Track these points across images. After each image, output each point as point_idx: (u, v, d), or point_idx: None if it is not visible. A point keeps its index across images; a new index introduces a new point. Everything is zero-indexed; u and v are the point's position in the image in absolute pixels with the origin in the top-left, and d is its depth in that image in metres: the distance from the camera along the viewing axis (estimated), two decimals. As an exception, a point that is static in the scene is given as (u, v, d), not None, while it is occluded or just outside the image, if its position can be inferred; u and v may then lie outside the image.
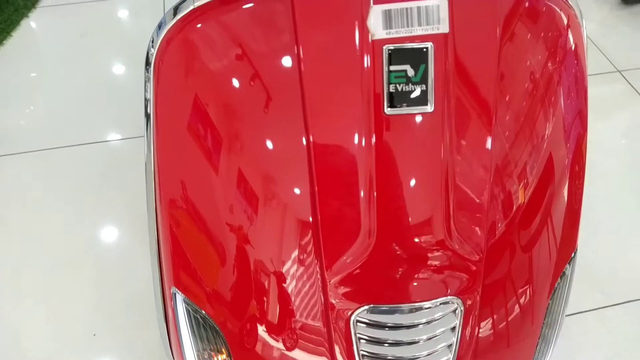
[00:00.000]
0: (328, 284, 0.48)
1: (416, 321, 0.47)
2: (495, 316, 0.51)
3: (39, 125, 1.76)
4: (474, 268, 0.48)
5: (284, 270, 0.50)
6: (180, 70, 0.54)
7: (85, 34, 2.00)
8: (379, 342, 0.48)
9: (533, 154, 0.51)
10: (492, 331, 0.51)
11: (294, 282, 0.49)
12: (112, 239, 1.50)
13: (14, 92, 1.85)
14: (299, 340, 0.51)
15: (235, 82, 0.52)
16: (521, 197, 0.52)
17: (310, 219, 0.48)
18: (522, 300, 0.52)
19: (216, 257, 0.51)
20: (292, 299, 0.50)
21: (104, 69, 1.91)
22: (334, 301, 0.48)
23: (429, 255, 0.47)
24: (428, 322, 0.48)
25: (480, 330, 0.50)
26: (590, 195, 1.49)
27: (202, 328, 0.53)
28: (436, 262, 0.47)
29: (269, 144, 0.51)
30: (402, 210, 0.47)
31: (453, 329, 0.49)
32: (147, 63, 0.56)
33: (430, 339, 0.48)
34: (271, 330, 0.52)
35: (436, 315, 0.48)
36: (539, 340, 0.55)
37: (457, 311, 0.48)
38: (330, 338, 0.49)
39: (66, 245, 1.47)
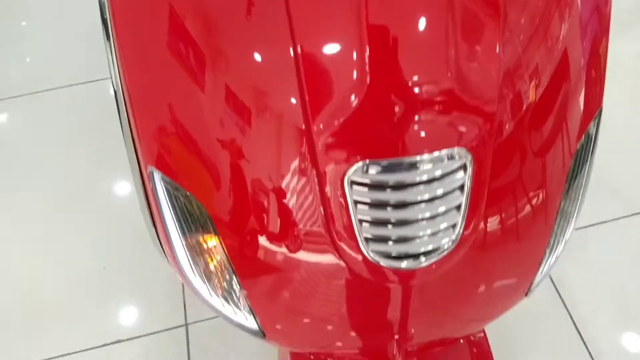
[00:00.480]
0: (317, 148, 0.42)
1: (417, 178, 0.42)
2: (509, 175, 0.45)
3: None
4: (486, 118, 0.42)
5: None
6: None
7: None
8: (378, 205, 0.43)
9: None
10: (506, 190, 0.45)
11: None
12: (115, 176, 1.48)
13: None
14: (291, 213, 0.46)
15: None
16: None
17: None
18: (540, 159, 0.46)
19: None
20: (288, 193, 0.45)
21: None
22: (325, 168, 0.42)
23: (433, 99, 0.41)
24: (430, 181, 0.42)
25: (490, 192, 0.45)
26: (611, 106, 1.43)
27: (185, 209, 0.48)
28: (440, 108, 0.41)
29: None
30: (397, 57, 0.41)
31: (461, 187, 0.43)
32: None
33: (433, 199, 0.43)
34: (258, 211, 0.47)
35: (438, 172, 0.42)
36: (560, 204, 0.49)
37: (466, 166, 0.42)
38: (325, 206, 0.44)
39: (69, 185, 1.46)
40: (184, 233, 0.50)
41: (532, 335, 1.19)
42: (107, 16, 0.51)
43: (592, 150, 0.51)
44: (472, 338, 0.64)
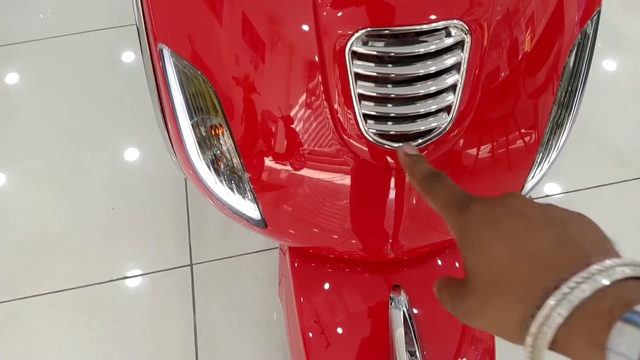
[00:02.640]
0: (320, 19, 0.44)
1: (416, 50, 0.43)
2: (504, 61, 0.47)
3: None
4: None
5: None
6: None
7: None
8: (378, 80, 0.45)
9: None
10: (500, 79, 0.47)
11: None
12: (125, 123, 1.51)
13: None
14: (296, 92, 0.48)
15: None
16: None
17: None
18: (537, 50, 0.48)
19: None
20: None
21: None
22: (328, 40, 0.44)
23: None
24: (428, 55, 0.44)
25: (487, 73, 0.46)
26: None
27: (194, 90, 0.50)
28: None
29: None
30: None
31: (458, 67, 0.45)
32: None
33: (429, 77, 0.44)
34: (265, 91, 0.49)
35: (435, 47, 0.43)
36: (553, 104, 0.51)
37: (464, 44, 0.44)
38: (326, 82, 0.45)
39: (81, 126, 1.50)
40: (191, 116, 0.52)
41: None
42: None
43: (590, 52, 0.52)
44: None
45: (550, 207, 0.34)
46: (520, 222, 0.33)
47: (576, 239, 0.31)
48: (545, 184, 1.37)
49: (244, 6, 0.47)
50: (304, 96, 0.47)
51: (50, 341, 1.19)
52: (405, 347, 0.60)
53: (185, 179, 1.37)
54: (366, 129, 0.47)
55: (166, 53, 0.50)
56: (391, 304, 0.63)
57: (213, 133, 0.53)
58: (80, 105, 1.53)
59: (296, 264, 0.68)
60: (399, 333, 0.61)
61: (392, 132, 0.46)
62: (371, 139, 0.47)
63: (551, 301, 0.28)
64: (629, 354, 0.26)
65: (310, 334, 0.67)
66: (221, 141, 0.53)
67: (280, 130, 0.50)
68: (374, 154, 0.48)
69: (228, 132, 0.51)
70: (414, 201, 0.52)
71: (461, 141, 0.49)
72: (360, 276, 0.67)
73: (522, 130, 0.51)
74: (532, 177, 0.56)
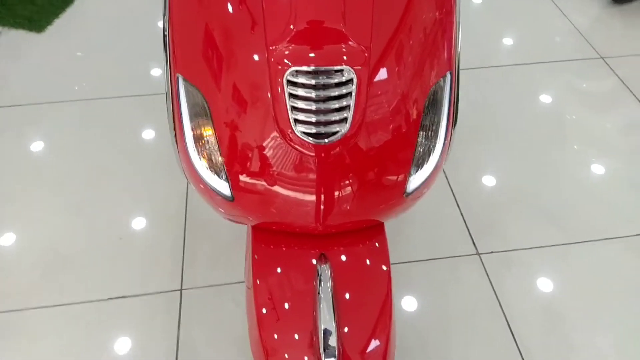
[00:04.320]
0: (270, 61, 0.76)
1: (324, 81, 0.74)
2: (381, 94, 0.78)
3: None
4: (364, 51, 0.75)
5: (252, 87, 0.79)
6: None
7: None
8: (303, 98, 0.75)
9: None
10: (379, 105, 0.77)
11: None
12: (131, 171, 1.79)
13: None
14: (256, 104, 0.78)
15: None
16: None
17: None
18: (404, 88, 0.79)
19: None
20: None
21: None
22: (274, 74, 0.76)
23: (333, 37, 0.75)
24: (331, 85, 0.75)
25: (369, 102, 0.77)
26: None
27: (194, 103, 0.81)
28: (339, 43, 0.75)
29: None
30: (315, 10, 0.76)
31: (350, 94, 0.76)
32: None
33: (333, 99, 0.75)
34: (237, 104, 0.80)
35: (335, 80, 0.74)
36: (420, 126, 0.81)
37: (353, 80, 0.75)
38: (274, 99, 0.76)
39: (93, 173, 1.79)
40: (191, 120, 0.82)
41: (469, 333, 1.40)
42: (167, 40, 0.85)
43: (449, 99, 0.83)
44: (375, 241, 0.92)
45: None
46: None
47: None
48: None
49: (230, 46, 0.79)
50: (261, 109, 0.78)
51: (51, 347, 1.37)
52: (325, 324, 0.78)
53: (185, 220, 1.64)
54: (296, 129, 0.76)
55: (180, 79, 0.82)
56: (317, 276, 0.85)
57: (204, 134, 0.83)
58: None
59: (256, 248, 0.92)
60: (320, 310, 0.79)
61: (314, 132, 0.76)
62: (300, 136, 0.76)
63: None
64: None
65: (264, 310, 0.86)
66: (209, 140, 0.82)
67: (246, 133, 0.80)
68: (303, 146, 0.77)
69: (214, 133, 0.81)
70: (334, 184, 0.80)
71: (356, 143, 0.78)
72: (304, 254, 0.89)
73: (399, 142, 0.80)
74: (412, 179, 0.84)
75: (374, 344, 0.84)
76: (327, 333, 0.78)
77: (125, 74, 2.09)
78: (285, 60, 0.75)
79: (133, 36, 2.25)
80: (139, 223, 1.64)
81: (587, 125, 1.92)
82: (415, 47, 0.80)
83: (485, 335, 1.37)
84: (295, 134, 0.76)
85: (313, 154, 0.77)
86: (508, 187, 1.71)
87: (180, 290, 1.50)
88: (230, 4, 0.79)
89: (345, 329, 0.83)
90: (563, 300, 1.45)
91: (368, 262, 0.91)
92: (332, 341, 0.78)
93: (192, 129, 0.82)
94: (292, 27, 0.76)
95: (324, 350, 0.77)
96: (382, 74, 0.77)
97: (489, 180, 1.71)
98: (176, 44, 0.83)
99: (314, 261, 0.88)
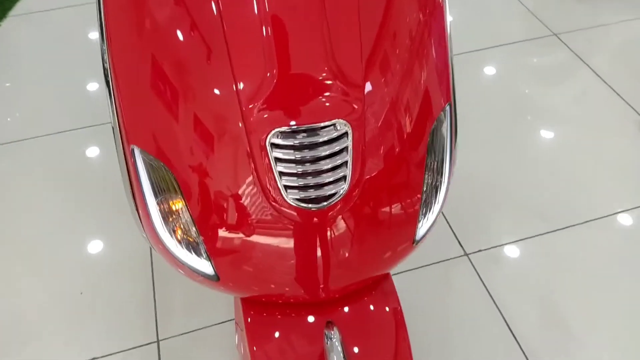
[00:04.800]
0: (247, 125, 0.63)
1: (314, 140, 0.62)
2: (380, 144, 0.67)
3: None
4: (357, 100, 0.63)
5: (229, 156, 0.65)
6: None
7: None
8: (291, 161, 0.63)
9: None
10: (379, 156, 0.66)
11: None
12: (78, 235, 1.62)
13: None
14: (235, 177, 0.65)
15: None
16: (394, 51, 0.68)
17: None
18: (403, 131, 0.68)
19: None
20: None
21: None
22: (254, 137, 0.63)
23: (319, 85, 0.62)
24: (323, 143, 0.63)
25: (368, 152, 0.66)
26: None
27: (158, 178, 0.67)
28: (326, 92, 0.62)
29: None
30: (295, 52, 0.63)
31: (346, 149, 0.64)
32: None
33: (326, 157, 0.63)
34: (214, 175, 0.66)
35: (328, 137, 0.62)
36: (425, 168, 0.70)
37: (347, 133, 0.63)
38: (256, 167, 0.63)
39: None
40: (156, 196, 0.68)
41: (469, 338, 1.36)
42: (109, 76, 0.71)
43: (450, 133, 0.73)
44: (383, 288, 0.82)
45: None
46: None
47: None
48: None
49: (195, 108, 0.65)
50: (242, 178, 0.65)
51: None
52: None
53: (152, 261, 1.49)
54: (287, 196, 0.64)
55: (136, 151, 0.67)
56: (325, 340, 0.76)
57: (174, 209, 0.69)
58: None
59: (248, 315, 0.81)
60: None
61: (308, 197, 0.64)
62: (293, 203, 0.64)
63: None
64: None
65: None
66: (180, 215, 0.69)
67: (227, 204, 0.67)
68: (298, 214, 0.65)
69: (186, 207, 0.68)
70: (337, 250, 0.69)
71: (358, 202, 0.67)
72: (304, 319, 0.80)
73: (404, 192, 0.70)
74: (421, 226, 0.74)
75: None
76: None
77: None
78: (265, 122, 0.62)
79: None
80: (100, 272, 1.48)
81: (548, 104, 1.90)
82: (414, 82, 0.69)
83: (483, 334, 1.33)
84: (286, 201, 0.64)
85: (311, 220, 0.66)
86: (481, 181, 1.66)
87: (157, 342, 1.37)
88: (183, 36, 0.65)
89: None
90: (556, 288, 1.42)
91: (377, 309, 0.83)
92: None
93: (159, 205, 0.69)
94: (268, 74, 0.63)
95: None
96: (381, 119, 0.66)
97: (461, 176, 1.64)
98: (123, 103, 0.68)
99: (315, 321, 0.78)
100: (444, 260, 1.47)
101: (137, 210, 0.72)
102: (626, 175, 1.67)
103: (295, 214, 0.65)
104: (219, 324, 1.39)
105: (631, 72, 1.99)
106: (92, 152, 1.78)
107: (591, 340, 1.33)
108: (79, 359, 1.33)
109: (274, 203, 0.65)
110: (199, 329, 1.38)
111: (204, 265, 0.71)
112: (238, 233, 0.68)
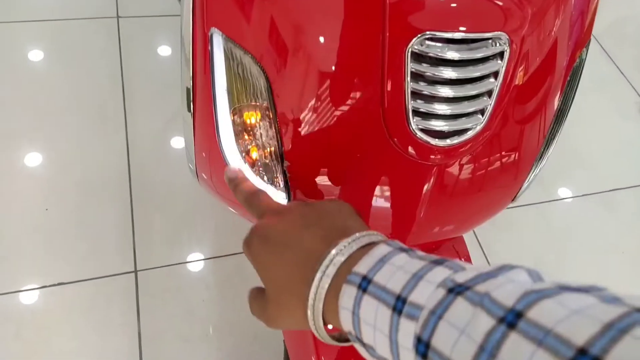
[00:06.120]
0: (387, 19, 0.47)
1: (468, 56, 0.48)
2: (525, 73, 0.53)
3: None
4: (522, 17, 0.49)
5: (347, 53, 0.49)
6: None
7: None
8: (430, 81, 0.48)
9: None
10: (522, 90, 0.53)
11: None
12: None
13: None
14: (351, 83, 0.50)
15: None
16: None
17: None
18: (549, 66, 0.55)
19: None
20: None
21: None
22: (392, 39, 0.47)
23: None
24: (474, 61, 0.48)
25: (512, 82, 0.52)
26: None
27: (239, 69, 0.50)
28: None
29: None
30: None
31: (496, 74, 0.50)
32: None
33: (473, 80, 0.49)
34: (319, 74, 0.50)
35: (481, 54, 0.48)
36: (555, 111, 0.58)
37: (504, 53, 0.49)
38: (384, 77, 0.48)
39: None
40: (232, 100, 0.52)
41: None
42: None
43: (580, 75, 0.61)
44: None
45: (306, 206, 0.41)
46: (282, 233, 0.39)
47: (330, 229, 0.38)
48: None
49: None
50: (357, 90, 0.50)
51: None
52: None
53: (130, 182, 1.30)
54: (413, 124, 0.50)
55: (217, 36, 0.50)
56: None
57: (248, 123, 0.53)
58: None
59: None
60: None
61: (434, 129, 0.50)
62: (418, 134, 0.50)
63: (318, 274, 0.34)
64: (349, 306, 0.33)
65: None
66: (261, 130, 0.53)
67: (330, 122, 0.51)
68: (416, 149, 0.51)
69: (274, 118, 0.52)
70: (440, 196, 0.56)
71: (488, 143, 0.54)
72: None
73: (531, 136, 0.58)
74: (528, 184, 0.63)
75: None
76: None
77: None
78: (412, 22, 0.46)
79: None
80: (69, 189, 1.28)
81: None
82: (567, 10, 0.55)
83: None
84: (410, 130, 0.50)
85: (427, 158, 0.52)
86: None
87: (135, 271, 1.22)
88: None
89: None
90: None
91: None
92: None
93: (233, 115, 0.52)
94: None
95: None
96: (536, 42, 0.52)
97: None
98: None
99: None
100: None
101: (193, 123, 0.55)
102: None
103: (415, 148, 0.51)
104: (204, 259, 1.25)
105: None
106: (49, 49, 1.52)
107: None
108: (44, 284, 1.15)
109: (392, 130, 0.51)
110: (181, 263, 1.24)
111: (278, 198, 0.56)
112: (332, 161, 0.54)
